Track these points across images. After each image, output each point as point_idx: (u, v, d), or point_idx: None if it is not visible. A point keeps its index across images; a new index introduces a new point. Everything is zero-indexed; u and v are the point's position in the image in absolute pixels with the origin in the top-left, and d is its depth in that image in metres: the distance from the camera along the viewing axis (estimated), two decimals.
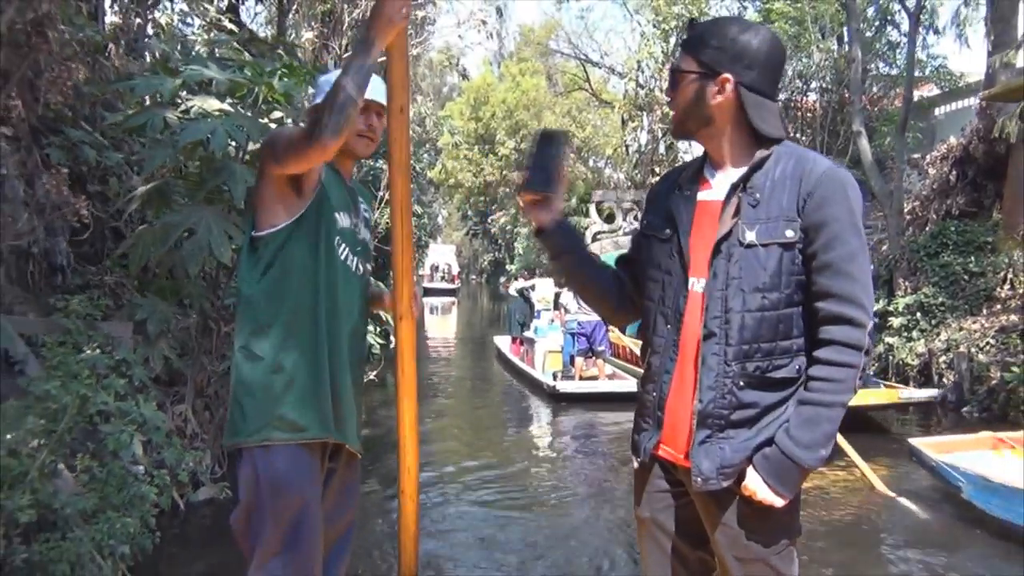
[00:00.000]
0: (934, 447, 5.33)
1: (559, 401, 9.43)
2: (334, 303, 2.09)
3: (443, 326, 22.99)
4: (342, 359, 2.10)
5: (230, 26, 9.49)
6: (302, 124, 2.03)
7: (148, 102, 5.42)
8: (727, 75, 1.72)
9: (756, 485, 1.67)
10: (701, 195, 1.84)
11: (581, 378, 10.11)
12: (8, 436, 2.97)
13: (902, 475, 5.93)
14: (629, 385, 9.46)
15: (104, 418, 3.67)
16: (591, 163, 32.77)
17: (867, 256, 1.69)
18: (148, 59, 7.81)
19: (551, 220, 1.92)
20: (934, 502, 5.28)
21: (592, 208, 20.60)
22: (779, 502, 1.67)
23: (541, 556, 4.36)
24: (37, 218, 4.48)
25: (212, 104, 4.64)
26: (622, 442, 7.57)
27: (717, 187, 1.81)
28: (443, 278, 38.69)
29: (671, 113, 1.87)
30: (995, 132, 9.57)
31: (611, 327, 10.20)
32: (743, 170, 1.75)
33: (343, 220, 2.15)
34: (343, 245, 2.13)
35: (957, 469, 4.94)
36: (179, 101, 5.02)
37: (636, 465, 1.94)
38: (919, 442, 5.44)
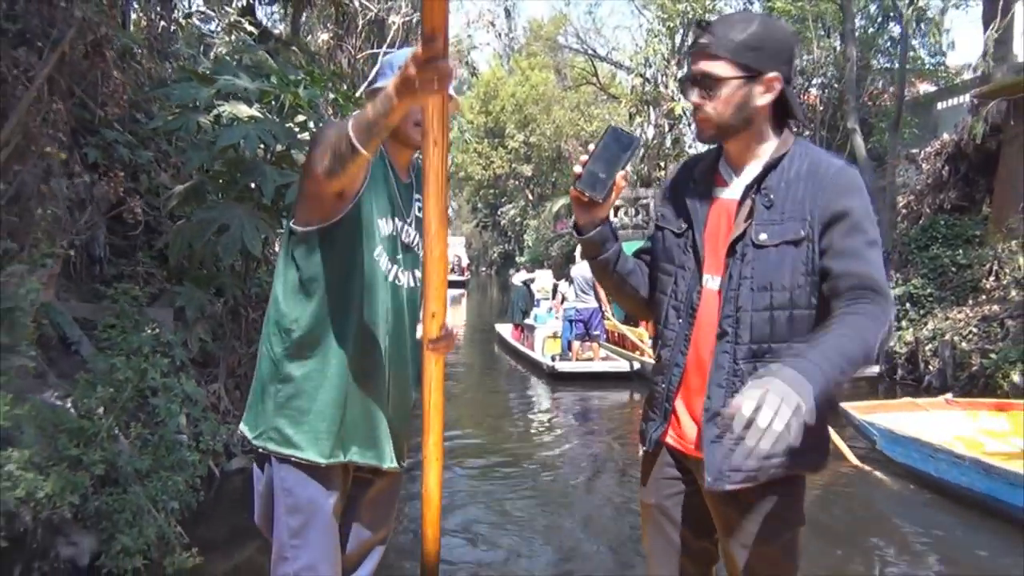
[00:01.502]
0: (858, 408, 6.24)
1: (557, 380, 10.22)
2: (365, 319, 1.96)
3: (453, 316, 23.64)
4: (370, 377, 1.99)
5: (249, 28, 9.95)
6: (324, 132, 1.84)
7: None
8: (776, 74, 1.69)
9: (746, 393, 1.38)
10: (717, 192, 1.83)
11: (577, 360, 10.87)
12: (81, 403, 3.47)
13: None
14: (621, 366, 10.38)
15: (152, 392, 4.18)
16: None
17: (880, 251, 1.67)
18: (174, 62, 8.26)
19: (590, 223, 1.84)
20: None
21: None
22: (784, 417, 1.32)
23: (540, 518, 4.88)
24: (97, 215, 4.95)
25: (243, 110, 5.11)
26: (614, 417, 8.39)
27: (734, 186, 1.80)
28: (453, 270, 39.02)
29: (702, 119, 1.75)
30: (964, 133, 9.97)
31: (606, 315, 10.82)
32: (759, 169, 1.75)
33: (386, 227, 1.99)
34: (384, 256, 1.98)
35: (873, 425, 5.89)
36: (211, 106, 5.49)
37: (642, 453, 1.96)
38: (847, 405, 6.28)
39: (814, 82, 16.86)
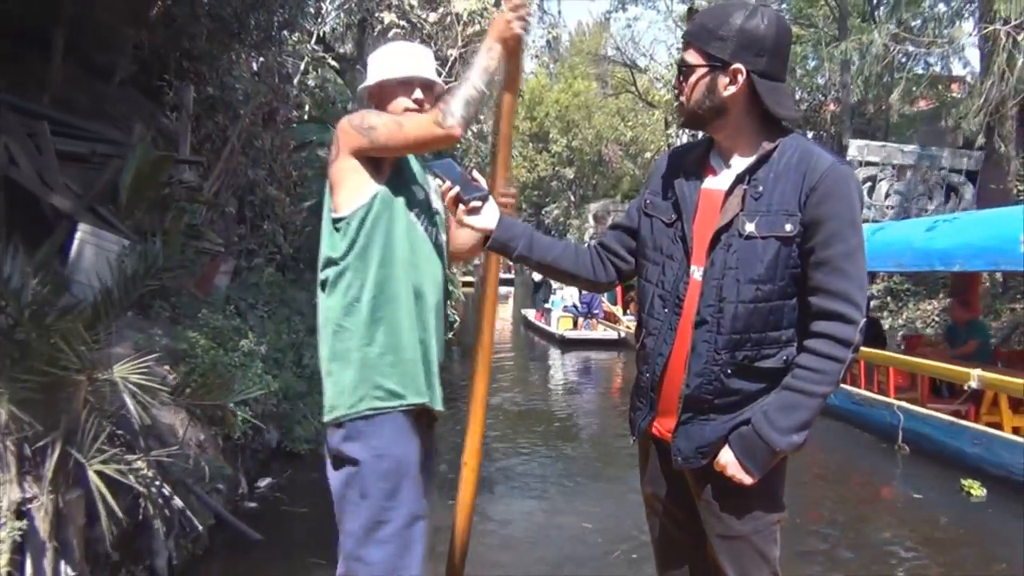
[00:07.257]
0: None
1: (566, 345, 14.14)
2: (418, 277, 2.09)
3: (500, 311, 26.00)
4: (429, 329, 2.11)
5: (331, 62, 11.70)
6: (371, 115, 2.06)
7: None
8: (739, 66, 1.67)
9: (727, 460, 1.69)
10: (706, 183, 1.81)
11: (579, 331, 14.83)
12: (270, 344, 5.52)
13: None
14: (612, 335, 13.88)
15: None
16: (639, 160, 34.69)
17: (863, 253, 1.66)
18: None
19: (495, 220, 1.92)
20: None
21: (591, 216, 24.13)
22: (747, 480, 1.67)
23: (555, 439, 7.03)
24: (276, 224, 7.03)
25: None
26: (606, 370, 11.85)
27: (723, 176, 1.78)
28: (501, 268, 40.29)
29: (679, 104, 1.81)
30: None
31: (603, 300, 14.41)
32: (749, 160, 1.72)
33: (419, 193, 2.16)
34: (422, 217, 2.14)
35: None
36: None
37: (632, 442, 1.99)
38: None
39: (830, 96, 18.38)
